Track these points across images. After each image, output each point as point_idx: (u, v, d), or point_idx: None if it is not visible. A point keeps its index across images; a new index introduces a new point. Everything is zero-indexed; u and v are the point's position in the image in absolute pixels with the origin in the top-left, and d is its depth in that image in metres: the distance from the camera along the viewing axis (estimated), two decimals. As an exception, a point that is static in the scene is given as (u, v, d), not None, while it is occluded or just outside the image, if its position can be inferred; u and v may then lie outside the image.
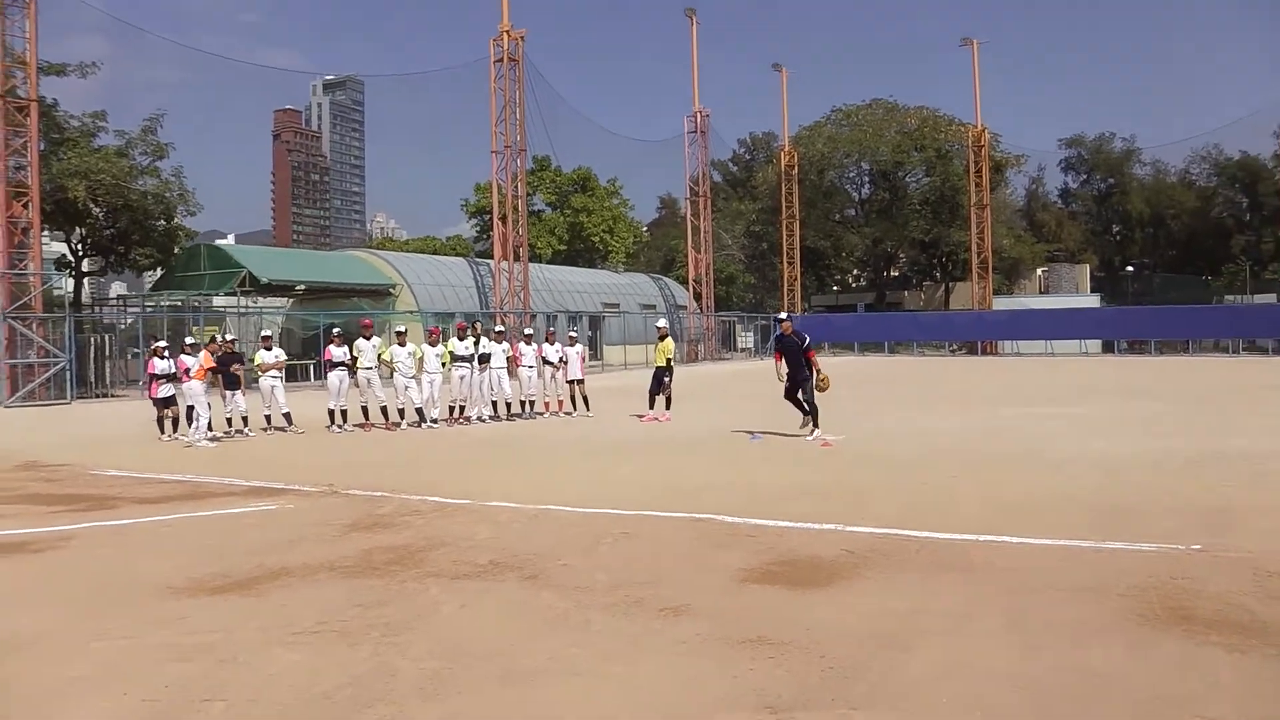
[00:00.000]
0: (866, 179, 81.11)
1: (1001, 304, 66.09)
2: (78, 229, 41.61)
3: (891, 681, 5.22)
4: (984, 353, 61.58)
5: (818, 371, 16.65)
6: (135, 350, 41.22)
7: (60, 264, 43.34)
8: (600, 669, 5.49)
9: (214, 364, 19.00)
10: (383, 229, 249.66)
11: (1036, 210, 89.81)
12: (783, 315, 17.97)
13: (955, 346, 64.95)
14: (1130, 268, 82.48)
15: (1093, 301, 67.96)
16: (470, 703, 5.03)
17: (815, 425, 16.33)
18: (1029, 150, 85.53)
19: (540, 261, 60.27)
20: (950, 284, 78.87)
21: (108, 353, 38.54)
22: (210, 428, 18.51)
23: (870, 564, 7.76)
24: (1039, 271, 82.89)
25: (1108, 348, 58.84)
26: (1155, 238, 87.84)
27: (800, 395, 16.59)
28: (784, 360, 16.92)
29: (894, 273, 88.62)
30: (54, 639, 6.29)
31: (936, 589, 6.98)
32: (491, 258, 49.44)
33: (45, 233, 35.39)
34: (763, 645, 5.80)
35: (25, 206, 32.21)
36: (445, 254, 70.98)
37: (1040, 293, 78.05)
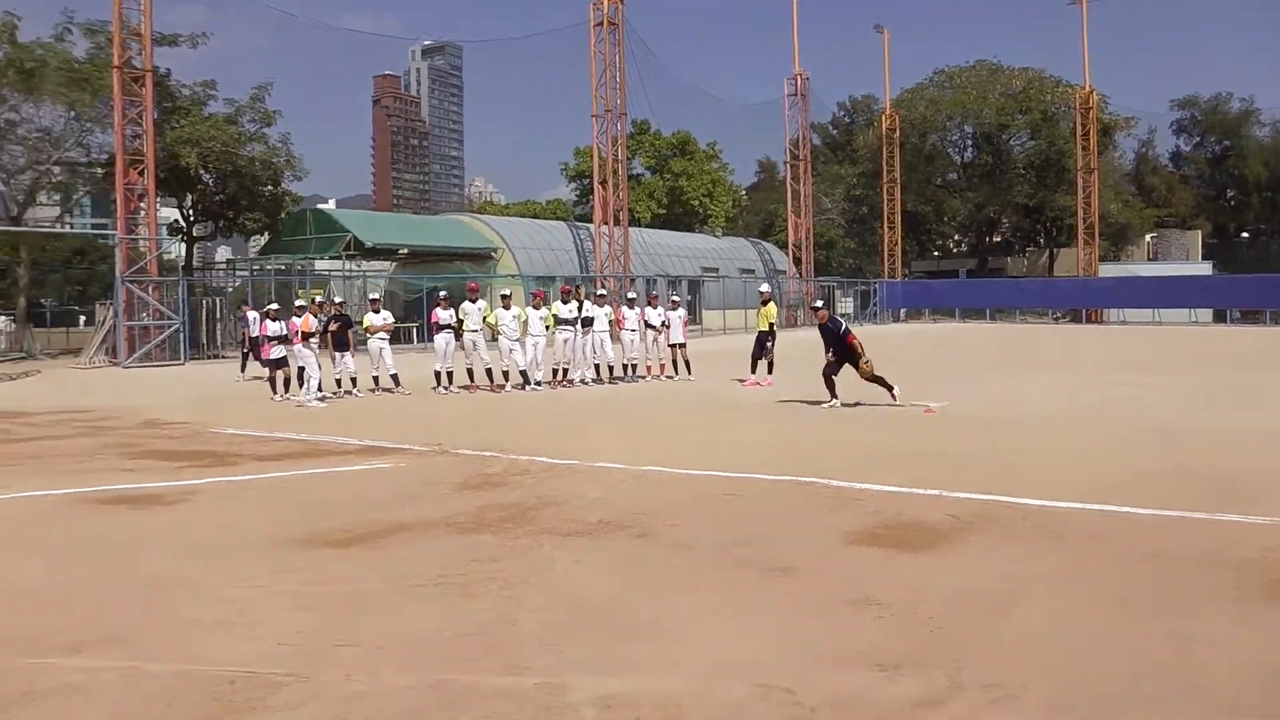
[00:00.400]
0: (969, 142, 79.60)
1: (1108, 271, 64.63)
2: (189, 195, 42.73)
3: (998, 642, 5.31)
4: (1088, 321, 60.35)
5: (861, 354, 16.48)
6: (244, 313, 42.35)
7: (172, 229, 44.63)
8: (712, 623, 5.66)
9: (309, 327, 19.40)
10: (481, 193, 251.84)
11: (1146, 174, 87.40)
12: (818, 304, 17.95)
13: (1058, 314, 63.81)
14: (1245, 234, 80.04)
15: (1204, 269, 66.08)
16: (589, 652, 5.23)
17: (890, 390, 16.22)
18: (1139, 112, 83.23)
19: (639, 225, 60.39)
20: (1054, 250, 77.27)
21: (218, 315, 39.64)
22: (320, 388, 19.03)
23: (974, 529, 7.81)
24: (1147, 238, 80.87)
25: (1219, 317, 57.16)
26: (1274, 202, 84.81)
27: (863, 376, 16.54)
28: (830, 349, 16.83)
29: (996, 238, 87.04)
30: (191, 584, 6.64)
31: (1041, 555, 7.02)
32: (591, 221, 49.75)
33: (158, 199, 36.35)
34: (870, 605, 5.91)
35: (141, 174, 33.18)
36: (545, 218, 71.47)
37: (1149, 260, 76.20)
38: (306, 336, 19.13)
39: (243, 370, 26.80)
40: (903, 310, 67.38)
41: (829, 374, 16.79)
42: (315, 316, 19.58)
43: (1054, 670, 4.93)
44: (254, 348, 27.68)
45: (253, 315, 28.61)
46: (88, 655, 5.28)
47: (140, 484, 10.54)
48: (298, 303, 20.68)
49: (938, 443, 12.56)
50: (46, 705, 4.67)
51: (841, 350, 16.54)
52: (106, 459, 12.57)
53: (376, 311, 20.97)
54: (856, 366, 16.43)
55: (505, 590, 6.31)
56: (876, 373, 16.45)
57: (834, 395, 16.57)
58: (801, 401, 17.10)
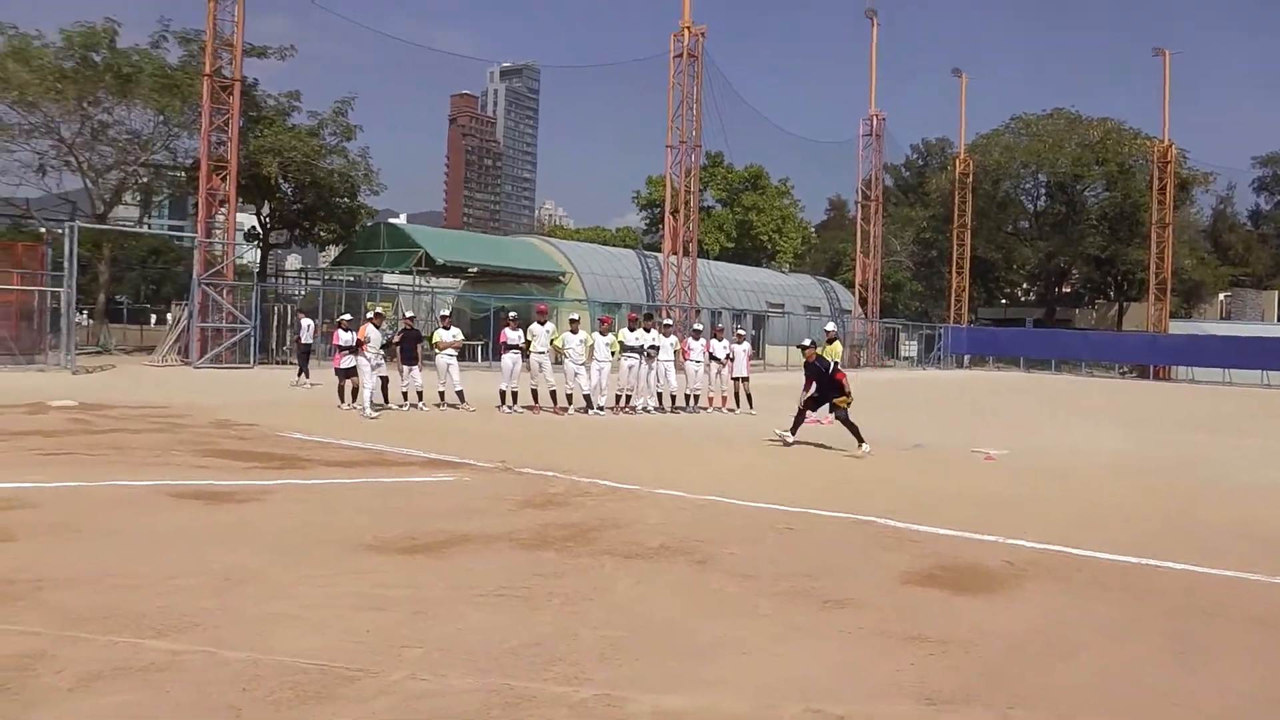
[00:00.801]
0: (1043, 191, 79.01)
1: (1178, 328, 63.80)
2: (267, 203, 43.60)
3: (1050, 685, 5.40)
4: (1156, 377, 59.58)
5: (846, 391, 16.34)
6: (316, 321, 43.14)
7: (249, 235, 45.54)
8: (768, 649, 5.80)
9: (364, 337, 19.79)
10: (551, 216, 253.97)
11: (1223, 231, 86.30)
12: (806, 342, 18.00)
13: (1125, 369, 63.06)
14: (1323, 296, 78.60)
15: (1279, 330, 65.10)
16: (647, 669, 5.40)
17: (859, 442, 15.95)
18: (1219, 168, 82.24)
19: (708, 257, 60.65)
20: (1124, 304, 76.43)
21: (288, 322, 40.42)
22: (370, 401, 19.41)
23: (1030, 576, 7.88)
24: (1221, 296, 79.77)
25: (1293, 380, 56.25)
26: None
27: (836, 417, 16.43)
28: (814, 385, 16.77)
29: (1065, 289, 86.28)
30: (263, 579, 6.90)
31: (1097, 605, 7.09)
32: (660, 251, 50.06)
33: (238, 205, 37.19)
34: (923, 642, 6.02)
35: (223, 180, 34.02)
36: (614, 245, 72.01)
37: (1221, 318, 75.12)
38: (361, 346, 19.55)
39: (300, 375, 27.91)
40: (967, 356, 66.96)
41: (805, 408, 16.88)
42: (376, 329, 19.96)
43: (1104, 714, 5.02)
44: (305, 354, 29.07)
45: (307, 323, 29.53)
46: (171, 639, 5.55)
47: (214, 480, 10.89)
48: (371, 312, 21.13)
49: (996, 489, 12.60)
50: (137, 680, 4.94)
51: (826, 387, 16.47)
52: (181, 455, 12.96)
53: (447, 328, 21.33)
54: (835, 402, 16.28)
55: (566, 605, 6.50)
56: (853, 419, 16.25)
57: (796, 430, 16.85)
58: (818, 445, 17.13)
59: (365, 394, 19.16)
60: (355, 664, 5.25)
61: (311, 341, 30.09)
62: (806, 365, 17.16)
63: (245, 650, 5.39)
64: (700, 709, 4.90)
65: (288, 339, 39.62)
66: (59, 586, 6.47)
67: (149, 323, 70.11)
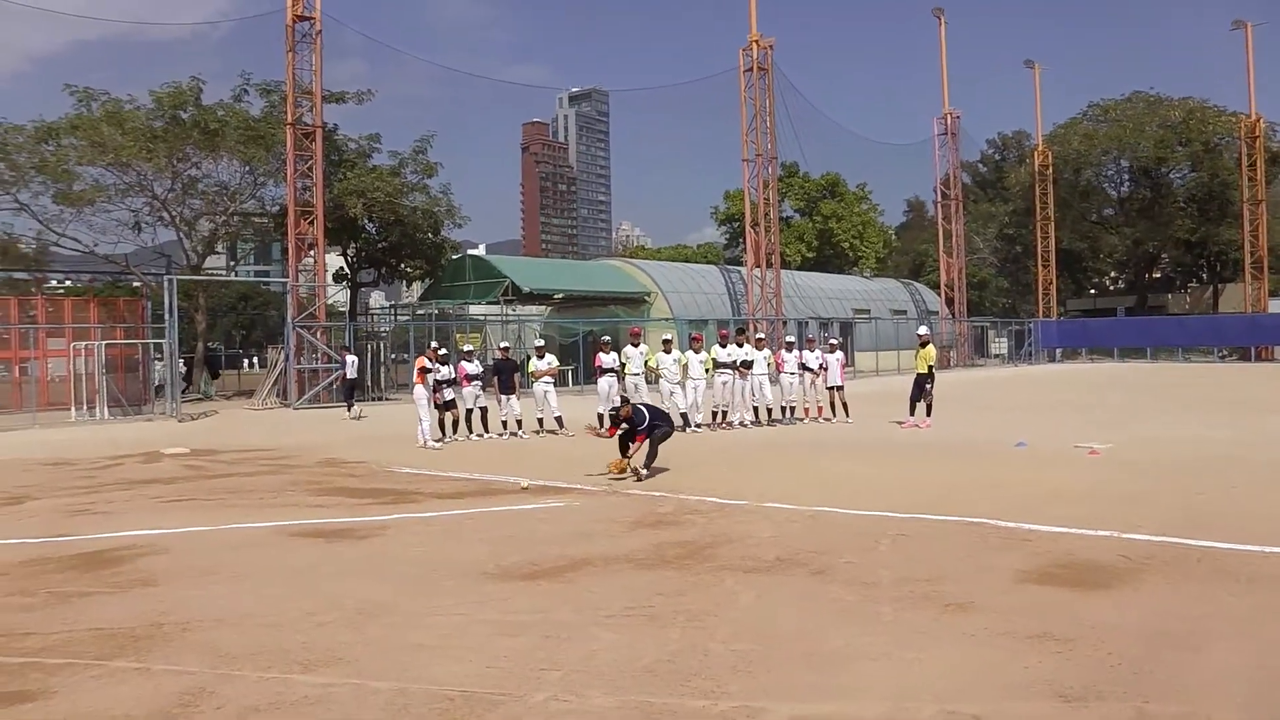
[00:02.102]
0: (1126, 176, 77.46)
1: (1278, 306, 62.22)
2: (353, 243, 44.40)
3: (1182, 678, 5.41)
4: (1258, 359, 58.14)
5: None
6: (405, 356, 43.84)
7: (337, 276, 46.40)
8: (896, 654, 5.89)
9: (422, 364, 20.17)
10: (628, 237, 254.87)
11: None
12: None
13: (1224, 352, 61.60)
14: None
15: (1386, 303, 63.14)
16: (779, 679, 5.52)
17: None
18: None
19: (790, 268, 60.54)
20: (1219, 285, 74.67)
21: (381, 359, 41.13)
22: (486, 430, 19.74)
23: (1149, 569, 7.86)
24: (1322, 271, 77.62)
25: (1402, 354, 54.63)
26: None
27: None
28: None
29: (1156, 274, 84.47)
30: (395, 611, 7.15)
31: (1222, 596, 7.05)
32: (741, 264, 50.12)
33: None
34: (1049, 640, 6.07)
35: (310, 224, 34.78)
36: (696, 261, 72.17)
37: (1323, 294, 73.10)
38: (425, 371, 19.86)
39: (349, 409, 29.44)
40: (1058, 350, 65.96)
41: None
42: (431, 361, 20.28)
43: (1245, 707, 5.04)
44: (351, 389, 30.65)
45: (351, 359, 30.70)
46: (318, 673, 5.79)
47: (332, 519, 11.21)
48: (465, 347, 21.51)
49: (1103, 484, 12.49)
50: (293, 713, 5.20)
51: None
52: (295, 495, 13.34)
53: (541, 357, 21.62)
54: None
55: (693, 622, 6.64)
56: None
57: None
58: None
59: (423, 426, 19.52)
60: (498, 689, 5.45)
61: (356, 376, 31.45)
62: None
63: (391, 680, 5.62)
64: (837, 715, 5.03)
65: (382, 376, 40.37)
66: (205, 628, 6.77)
67: (242, 367, 71.71)
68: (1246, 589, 7.23)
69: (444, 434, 20.54)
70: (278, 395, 35.08)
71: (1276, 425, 19.77)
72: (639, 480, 13.55)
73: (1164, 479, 12.81)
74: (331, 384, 34.14)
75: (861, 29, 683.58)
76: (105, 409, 29.84)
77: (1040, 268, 67.14)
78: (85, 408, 29.79)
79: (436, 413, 20.28)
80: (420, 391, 19.76)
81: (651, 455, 14.10)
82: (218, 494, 13.59)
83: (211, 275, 47.52)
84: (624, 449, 14.21)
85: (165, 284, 30.68)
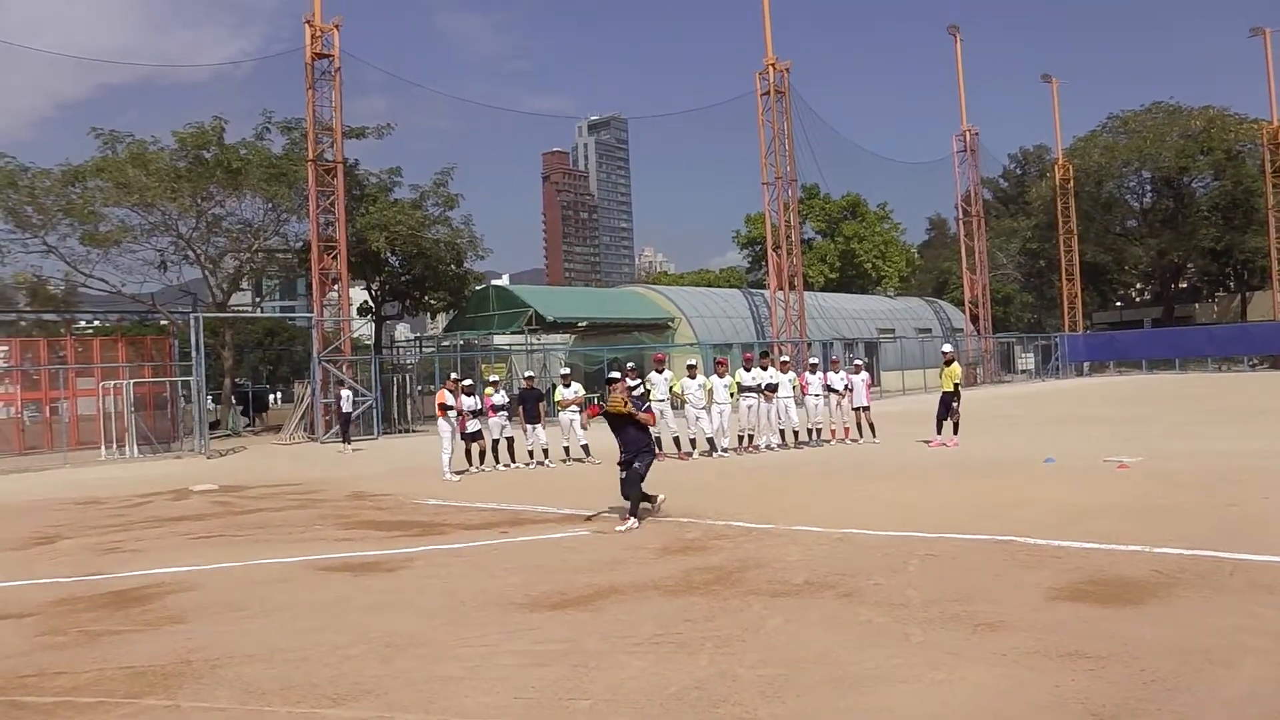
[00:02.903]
0: (1148, 187, 77.24)
1: (1309, 313, 61.65)
2: (377, 277, 44.69)
3: (1219, 695, 5.34)
4: (1289, 367, 57.66)
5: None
6: (430, 388, 44.03)
7: (362, 310, 46.68)
8: (926, 676, 5.85)
9: (443, 400, 20.17)
10: (651, 263, 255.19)
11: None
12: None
13: (1254, 361, 61.09)
14: None
15: None
16: (809, 704, 5.49)
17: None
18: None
19: (813, 289, 60.49)
20: (1247, 294, 74.17)
21: (408, 391, 41.29)
22: (513, 459, 19.77)
23: (1182, 584, 7.78)
24: (1352, 276, 76.98)
25: None
26: None
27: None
28: None
29: (1182, 285, 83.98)
30: (424, 643, 7.14)
31: (1257, 609, 6.97)
32: (765, 287, 50.08)
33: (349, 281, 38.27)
34: (1081, 658, 6.01)
35: (334, 259, 35.02)
36: (719, 285, 72.18)
37: (1353, 299, 72.43)
38: (444, 409, 19.88)
39: (345, 443, 30.23)
40: (1086, 364, 65.62)
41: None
42: (450, 392, 20.32)
43: (1278, 720, 4.98)
44: (345, 422, 31.34)
45: (345, 393, 31.50)
46: (347, 706, 5.79)
47: (359, 552, 11.23)
48: (491, 377, 21.56)
49: (1133, 498, 12.39)
50: (323, 750, 5.19)
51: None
52: (324, 529, 13.38)
53: (567, 385, 21.64)
54: None
55: (721, 648, 6.61)
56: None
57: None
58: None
59: (443, 458, 19.52)
60: (527, 719, 5.44)
61: (351, 410, 32.03)
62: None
63: (419, 713, 5.62)
64: (868, 739, 4.99)
65: (409, 409, 40.53)
66: (234, 663, 6.78)
67: (272, 403, 71.99)
68: (1281, 602, 7.15)
69: (470, 464, 20.58)
70: (305, 430, 35.24)
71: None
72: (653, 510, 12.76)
73: (1195, 492, 12.69)
74: (359, 416, 34.31)
75: (877, 49, 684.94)
76: (135, 447, 30.07)
77: (1065, 282, 66.89)
78: (115, 446, 30.03)
79: (461, 444, 20.30)
80: (444, 425, 19.78)
81: (635, 495, 12.33)
82: (246, 530, 13.65)
83: (237, 312, 47.93)
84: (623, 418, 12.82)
85: (191, 322, 30.94)
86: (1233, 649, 6.08)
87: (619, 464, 12.65)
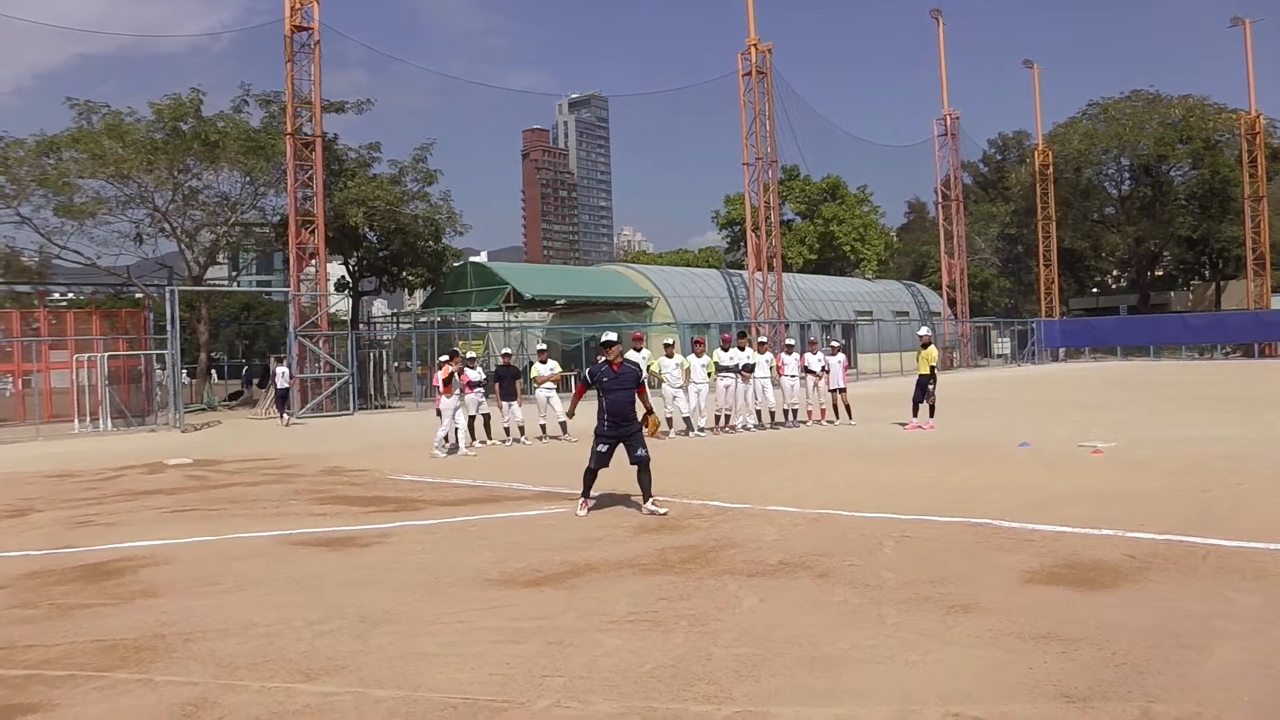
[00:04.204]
0: (1127, 175, 77.46)
1: (1281, 302, 62.18)
2: (355, 252, 44.43)
3: (1189, 678, 5.39)
4: (1262, 355, 58.10)
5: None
6: (407, 364, 43.92)
7: (339, 285, 46.43)
8: (900, 657, 5.87)
9: (449, 375, 20.07)
10: (630, 242, 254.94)
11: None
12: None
13: (1228, 349, 61.55)
14: None
15: (1390, 297, 63.07)
16: (784, 683, 5.50)
17: None
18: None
19: (791, 271, 60.55)
20: (1221, 282, 74.62)
21: (384, 367, 41.14)
22: (489, 437, 19.70)
23: (1155, 568, 7.83)
24: (1325, 265, 77.59)
25: None
26: None
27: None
28: None
29: (1158, 272, 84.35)
30: (399, 619, 7.12)
31: (1229, 594, 7.02)
32: (743, 268, 50.13)
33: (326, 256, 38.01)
34: (1054, 640, 6.05)
35: (311, 234, 34.79)
36: (698, 265, 72.20)
37: (1326, 288, 73.05)
38: (448, 383, 19.75)
39: (281, 417, 31.36)
40: (1062, 349, 65.94)
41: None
42: (455, 366, 20.24)
43: (1252, 706, 5.02)
44: (282, 397, 32.22)
45: (282, 370, 32.62)
46: (321, 682, 5.78)
47: (335, 527, 11.20)
48: (468, 354, 21.53)
49: (1107, 483, 12.46)
50: (296, 724, 5.17)
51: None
52: (299, 504, 13.32)
53: (544, 363, 21.61)
54: None
55: (696, 626, 6.63)
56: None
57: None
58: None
59: (439, 432, 19.39)
60: (502, 695, 5.44)
61: (287, 386, 32.63)
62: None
63: (394, 689, 5.60)
64: (842, 718, 5.00)
65: (385, 385, 40.44)
66: (207, 638, 6.75)
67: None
68: (1253, 587, 7.21)
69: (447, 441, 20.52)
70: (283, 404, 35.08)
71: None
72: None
73: (1168, 477, 12.78)
74: (334, 392, 34.21)
75: (860, 31, 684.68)
76: (108, 420, 29.88)
77: (1042, 267, 67.15)
78: (88, 419, 29.82)
79: (454, 424, 19.92)
80: (447, 402, 19.54)
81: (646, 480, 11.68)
82: (220, 504, 13.57)
83: (213, 286, 47.61)
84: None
85: (167, 295, 30.74)
86: (1204, 633, 6.13)
87: (600, 434, 11.86)
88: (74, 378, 30.62)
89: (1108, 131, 72.52)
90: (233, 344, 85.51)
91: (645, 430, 12.05)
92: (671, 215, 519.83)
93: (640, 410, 12.06)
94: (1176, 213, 71.85)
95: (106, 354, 30.68)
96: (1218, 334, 61.80)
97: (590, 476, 11.76)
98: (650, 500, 11.52)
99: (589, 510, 11.63)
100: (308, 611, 7.37)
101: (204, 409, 39.18)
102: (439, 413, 20.86)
